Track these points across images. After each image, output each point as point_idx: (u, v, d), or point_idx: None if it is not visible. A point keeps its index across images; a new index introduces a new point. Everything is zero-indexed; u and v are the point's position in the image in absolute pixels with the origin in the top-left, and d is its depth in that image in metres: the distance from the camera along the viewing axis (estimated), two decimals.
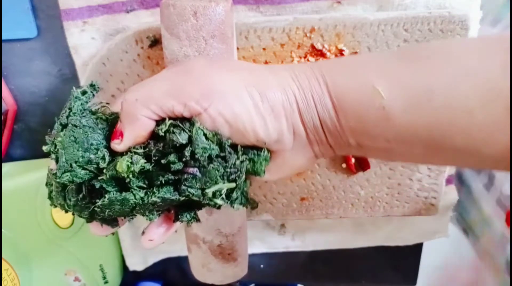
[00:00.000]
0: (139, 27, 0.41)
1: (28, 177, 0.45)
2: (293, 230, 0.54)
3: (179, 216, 0.31)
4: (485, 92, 0.23)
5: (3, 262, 0.40)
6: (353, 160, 0.45)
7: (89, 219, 0.30)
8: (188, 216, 0.31)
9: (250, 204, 0.32)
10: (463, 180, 0.49)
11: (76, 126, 0.28)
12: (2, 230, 0.42)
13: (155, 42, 0.41)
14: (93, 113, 0.30)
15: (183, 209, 0.31)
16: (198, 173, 0.27)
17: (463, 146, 0.24)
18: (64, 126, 0.29)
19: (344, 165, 0.45)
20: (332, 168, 0.46)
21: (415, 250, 0.56)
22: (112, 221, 0.31)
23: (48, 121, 0.48)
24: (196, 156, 0.27)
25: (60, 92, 0.47)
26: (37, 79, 0.46)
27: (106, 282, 0.51)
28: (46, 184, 0.30)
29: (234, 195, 0.30)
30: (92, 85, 0.31)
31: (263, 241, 0.55)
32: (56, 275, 0.46)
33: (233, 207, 0.30)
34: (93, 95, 0.31)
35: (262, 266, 0.58)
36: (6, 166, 0.47)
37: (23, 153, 0.50)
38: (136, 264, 0.54)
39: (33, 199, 0.44)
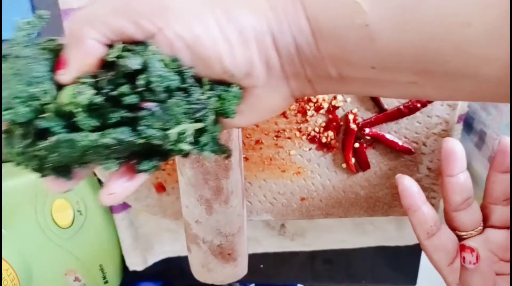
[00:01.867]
0: None
1: (28, 177, 0.45)
2: (293, 230, 0.54)
3: (138, 165, 0.27)
4: None
5: (3, 262, 0.40)
6: (353, 160, 0.45)
7: (40, 171, 0.26)
8: (147, 164, 0.27)
9: (223, 151, 0.28)
10: None
11: (18, 57, 0.25)
12: (2, 230, 0.42)
13: None
14: (39, 45, 0.26)
15: (145, 158, 0.27)
16: (156, 109, 0.23)
17: (457, 67, 0.22)
18: (5, 58, 0.25)
19: (344, 165, 0.45)
20: (332, 168, 0.46)
21: (415, 250, 0.56)
22: (65, 172, 0.27)
23: None
24: (152, 86, 0.23)
25: None
26: None
27: (106, 282, 0.51)
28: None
29: (204, 139, 0.26)
30: (39, 16, 0.27)
31: (263, 241, 0.55)
32: (56, 275, 0.46)
33: (203, 154, 0.26)
34: (40, 26, 0.27)
35: (262, 266, 0.58)
36: (6, 166, 0.47)
37: None
38: (136, 264, 0.54)
39: (33, 199, 0.44)
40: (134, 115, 0.24)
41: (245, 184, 0.46)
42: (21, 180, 0.44)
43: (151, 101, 0.23)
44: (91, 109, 0.23)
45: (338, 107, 0.43)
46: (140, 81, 0.23)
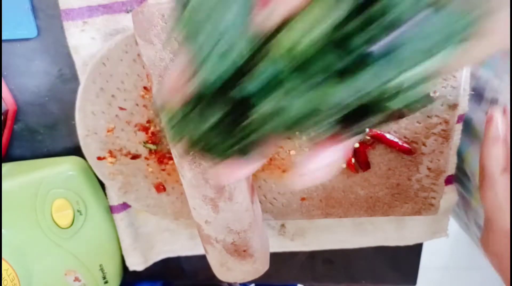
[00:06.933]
0: None
1: (28, 177, 0.45)
2: (293, 230, 0.54)
3: (349, 128, 0.20)
4: None
5: (3, 262, 0.40)
6: (353, 160, 0.45)
7: (225, 154, 0.20)
8: (360, 126, 0.20)
9: (429, 101, 0.20)
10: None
11: None
12: (2, 230, 0.42)
13: None
14: None
15: (349, 123, 0.20)
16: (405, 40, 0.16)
17: None
18: (185, 5, 0.18)
19: (344, 165, 0.45)
20: None
21: (415, 250, 0.56)
22: (249, 152, 0.20)
23: (48, 121, 0.49)
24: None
25: (60, 92, 0.47)
26: (37, 79, 0.46)
27: (106, 282, 0.51)
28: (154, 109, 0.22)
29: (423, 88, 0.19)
30: None
31: None
32: (56, 275, 0.46)
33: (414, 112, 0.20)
34: None
35: None
36: (6, 166, 0.47)
37: (23, 153, 0.50)
38: (136, 264, 0.54)
39: (33, 199, 0.44)
40: (360, 60, 0.17)
41: None
42: (21, 180, 0.44)
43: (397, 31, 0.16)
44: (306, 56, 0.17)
45: None
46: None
